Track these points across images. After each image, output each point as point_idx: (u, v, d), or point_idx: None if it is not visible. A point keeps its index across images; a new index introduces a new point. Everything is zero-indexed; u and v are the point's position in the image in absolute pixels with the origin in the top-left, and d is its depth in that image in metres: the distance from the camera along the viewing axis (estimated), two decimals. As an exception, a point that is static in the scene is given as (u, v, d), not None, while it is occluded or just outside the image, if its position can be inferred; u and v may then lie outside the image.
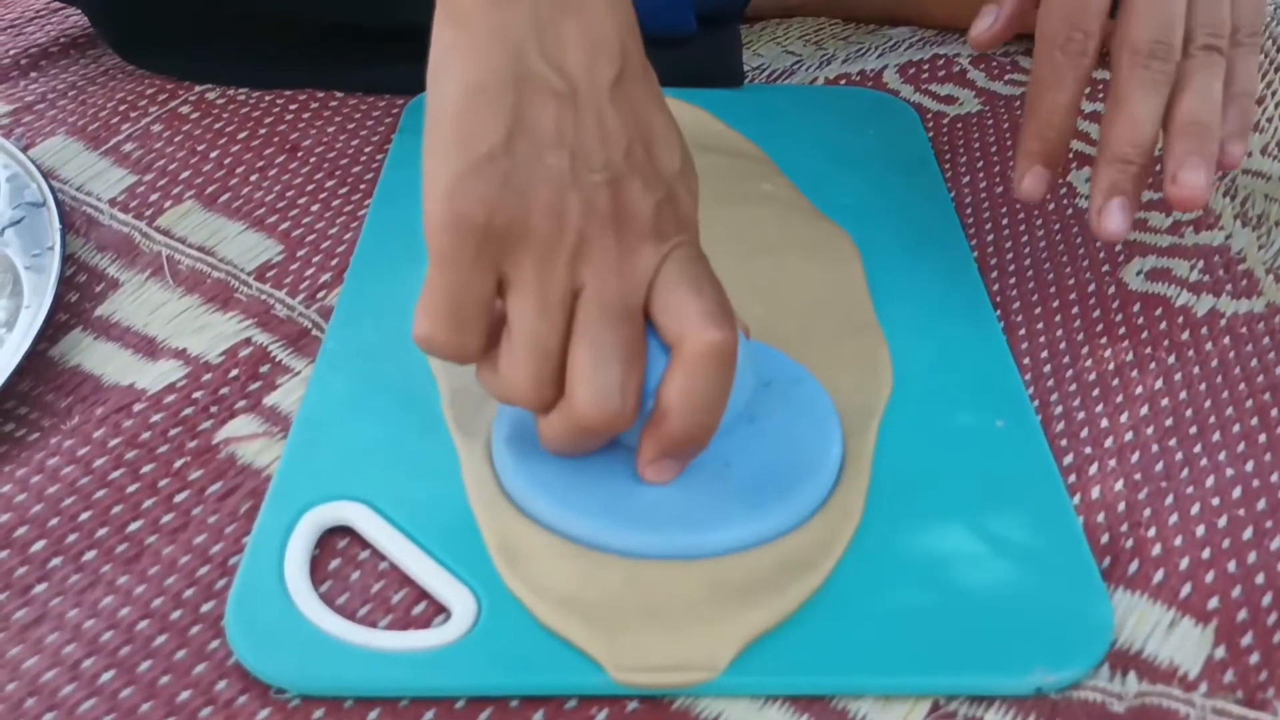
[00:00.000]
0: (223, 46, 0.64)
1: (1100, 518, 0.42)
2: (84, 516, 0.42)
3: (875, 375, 0.46)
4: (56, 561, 0.40)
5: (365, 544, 0.40)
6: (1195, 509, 0.42)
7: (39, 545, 0.41)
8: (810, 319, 0.48)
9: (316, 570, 0.39)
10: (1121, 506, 0.43)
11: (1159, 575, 0.40)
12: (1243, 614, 0.39)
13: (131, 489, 0.43)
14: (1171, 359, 0.49)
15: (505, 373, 0.37)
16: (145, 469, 0.43)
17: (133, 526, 0.41)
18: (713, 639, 0.36)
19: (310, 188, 0.58)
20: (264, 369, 0.48)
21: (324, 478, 0.42)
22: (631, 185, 0.36)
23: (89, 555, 0.40)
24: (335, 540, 0.40)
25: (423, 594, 0.39)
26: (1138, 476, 0.44)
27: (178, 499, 0.42)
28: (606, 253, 0.35)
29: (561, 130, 0.35)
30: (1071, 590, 0.39)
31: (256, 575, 0.39)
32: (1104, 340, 0.50)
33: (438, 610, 0.38)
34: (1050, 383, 0.48)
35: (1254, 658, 0.38)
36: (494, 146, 0.35)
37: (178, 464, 0.44)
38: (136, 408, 0.46)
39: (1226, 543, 0.41)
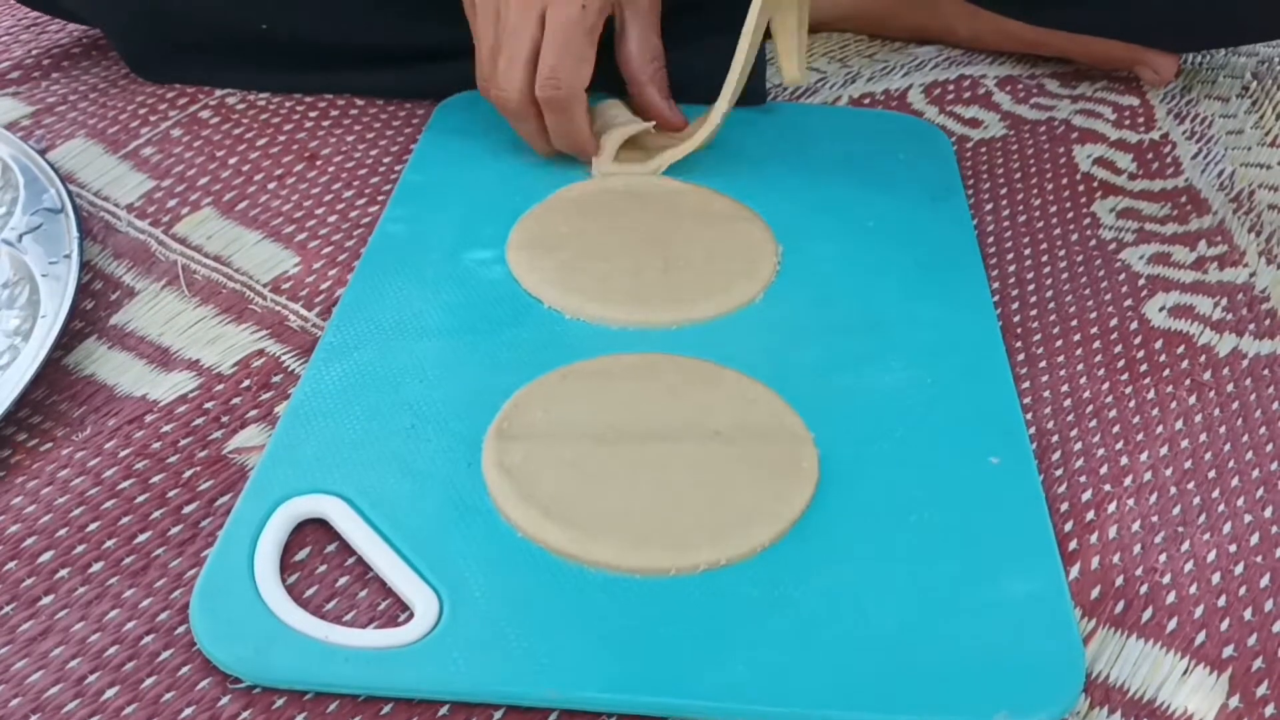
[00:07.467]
0: (241, 63, 0.65)
1: (1116, 558, 0.42)
2: (92, 527, 0.41)
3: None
4: (64, 573, 0.40)
5: (338, 538, 0.40)
6: (1211, 555, 0.42)
7: (47, 556, 0.40)
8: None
9: (288, 560, 0.40)
10: (1138, 549, 0.42)
11: (1172, 623, 0.40)
12: (1258, 663, 0.38)
13: (140, 499, 0.43)
14: (1192, 399, 0.49)
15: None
16: (155, 479, 0.43)
17: (140, 538, 0.41)
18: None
19: (328, 198, 0.58)
20: (276, 379, 0.48)
21: (305, 470, 0.42)
22: None
23: (96, 567, 0.40)
24: (311, 532, 0.41)
25: (389, 591, 0.39)
26: (1155, 519, 0.43)
27: (186, 510, 0.42)
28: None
29: None
30: (1046, 638, 0.38)
31: (226, 562, 0.39)
32: (1125, 377, 0.50)
33: (403, 608, 0.38)
34: (1071, 417, 0.47)
35: (1269, 709, 0.37)
36: None
37: (187, 474, 0.44)
38: (148, 419, 0.46)
39: (1243, 590, 0.41)
